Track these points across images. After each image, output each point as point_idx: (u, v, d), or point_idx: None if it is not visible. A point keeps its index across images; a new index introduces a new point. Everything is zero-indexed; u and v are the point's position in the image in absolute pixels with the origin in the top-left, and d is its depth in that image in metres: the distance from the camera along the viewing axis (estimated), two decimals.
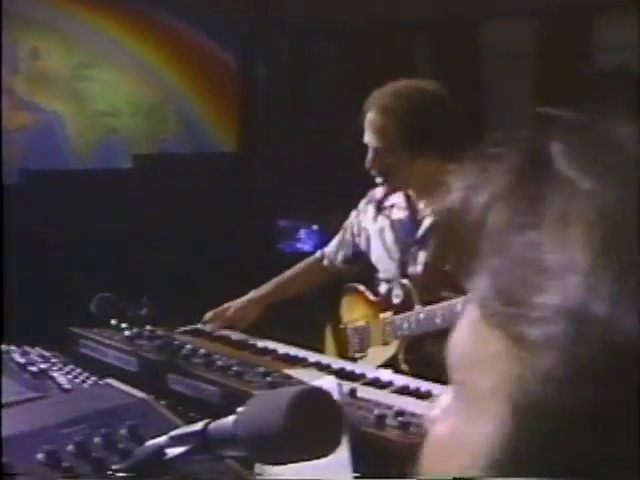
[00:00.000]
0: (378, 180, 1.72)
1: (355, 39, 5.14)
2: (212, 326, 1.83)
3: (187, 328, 1.79)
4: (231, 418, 0.72)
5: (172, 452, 0.73)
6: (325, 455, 0.68)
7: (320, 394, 0.69)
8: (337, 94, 5.23)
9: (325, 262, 1.98)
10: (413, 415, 1.14)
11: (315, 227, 4.70)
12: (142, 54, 4.72)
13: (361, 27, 4.92)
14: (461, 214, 0.39)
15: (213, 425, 0.74)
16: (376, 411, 1.13)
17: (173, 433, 0.76)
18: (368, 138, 1.67)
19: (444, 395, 0.43)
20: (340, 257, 1.94)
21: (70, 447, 1.01)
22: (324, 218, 4.76)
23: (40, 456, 0.98)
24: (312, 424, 0.66)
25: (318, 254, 2.01)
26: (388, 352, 1.68)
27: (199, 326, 1.82)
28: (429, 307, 1.59)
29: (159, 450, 0.75)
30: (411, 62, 5.16)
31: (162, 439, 0.76)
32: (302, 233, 4.72)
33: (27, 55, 4.33)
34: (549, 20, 4.69)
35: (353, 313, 1.83)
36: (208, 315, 1.85)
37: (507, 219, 0.36)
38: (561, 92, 4.64)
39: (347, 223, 1.93)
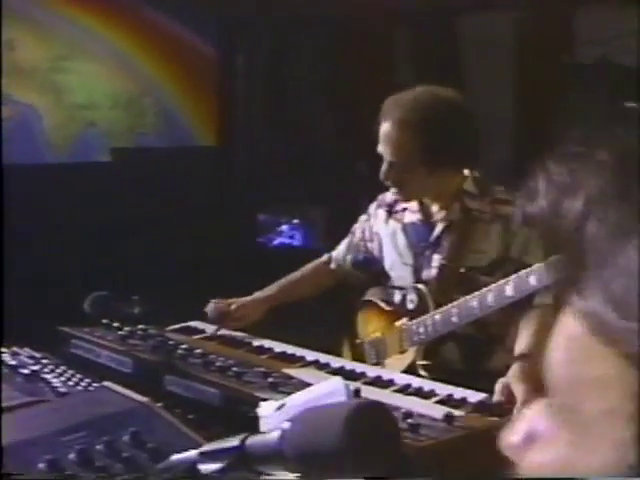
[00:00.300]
0: (393, 191, 1.69)
1: (336, 30, 5.10)
2: (212, 319, 1.75)
3: (178, 326, 1.75)
4: (275, 433, 0.69)
5: (205, 469, 0.70)
6: (382, 472, 0.65)
7: (378, 408, 0.66)
8: (318, 86, 5.19)
9: (333, 265, 1.92)
10: (421, 416, 1.12)
11: (296, 221, 4.67)
12: (120, 46, 4.62)
13: (342, 18, 4.89)
14: (553, 220, 0.36)
15: (252, 441, 0.70)
16: None
17: (205, 449, 0.72)
18: (383, 150, 1.63)
19: (524, 418, 0.40)
20: (349, 261, 1.89)
21: (72, 456, 0.97)
22: (305, 212, 4.73)
23: (42, 465, 0.94)
24: (371, 440, 0.63)
25: (325, 257, 1.95)
26: (405, 360, 1.65)
27: (190, 324, 1.77)
28: (443, 308, 1.57)
29: (191, 467, 0.71)
30: (391, 54, 5.14)
31: (192, 455, 0.73)
32: (284, 227, 4.68)
33: (3, 47, 4.21)
34: (530, 12, 4.70)
35: (368, 326, 1.80)
36: (209, 308, 1.77)
37: (611, 226, 0.33)
38: (544, 85, 4.66)
39: (355, 227, 1.89)
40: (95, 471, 0.96)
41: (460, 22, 5.10)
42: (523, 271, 1.47)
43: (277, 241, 4.65)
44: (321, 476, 0.67)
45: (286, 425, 0.69)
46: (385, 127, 1.60)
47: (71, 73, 4.48)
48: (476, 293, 1.51)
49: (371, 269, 1.87)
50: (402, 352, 1.66)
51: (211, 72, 4.97)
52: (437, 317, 1.57)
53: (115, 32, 4.60)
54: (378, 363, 1.71)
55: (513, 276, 1.47)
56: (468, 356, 1.65)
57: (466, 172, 1.68)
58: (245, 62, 5.09)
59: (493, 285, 1.49)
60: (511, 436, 0.41)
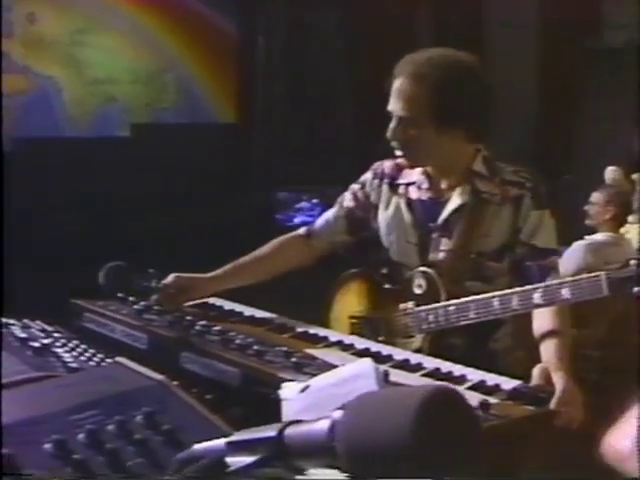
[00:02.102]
0: (397, 153, 1.57)
1: (355, 8, 4.96)
2: (163, 299, 1.55)
3: (195, 302, 1.66)
4: (323, 424, 0.59)
5: (235, 462, 0.60)
6: (458, 474, 0.54)
7: (455, 395, 0.56)
8: (337, 64, 5.07)
9: (314, 241, 1.73)
10: None
11: (316, 200, 4.58)
12: (141, 20, 4.53)
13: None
14: None
15: (292, 431, 0.60)
16: None
17: (233, 438, 0.62)
18: (393, 106, 1.52)
19: (630, 422, 0.30)
20: (341, 226, 1.73)
21: (81, 436, 0.89)
22: (325, 190, 4.64)
23: (47, 446, 0.85)
24: (446, 435, 0.53)
25: (302, 231, 1.75)
26: (411, 346, 1.55)
27: (208, 300, 1.68)
28: (461, 300, 1.46)
29: (218, 461, 0.61)
30: (411, 32, 5.00)
31: (218, 445, 0.63)
32: (302, 205, 4.59)
33: (23, 19, 4.13)
34: None
35: (365, 301, 1.68)
36: (167, 279, 1.58)
37: None
38: (569, 69, 4.50)
39: (344, 197, 1.73)
40: (105, 454, 0.87)
41: (485, 2, 4.95)
42: (555, 281, 1.39)
43: (297, 219, 4.55)
44: (379, 476, 0.56)
45: (337, 414, 0.58)
46: (398, 82, 1.50)
47: (91, 47, 4.40)
48: (497, 293, 1.42)
49: (362, 234, 1.73)
50: (407, 337, 1.56)
51: (232, 50, 4.87)
52: (451, 308, 1.47)
53: (136, 7, 4.50)
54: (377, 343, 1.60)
55: (542, 284, 1.39)
56: (473, 338, 1.55)
57: (477, 147, 1.57)
58: (265, 40, 4.98)
59: (518, 288, 1.40)
60: (620, 441, 0.31)
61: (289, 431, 0.59)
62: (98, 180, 4.01)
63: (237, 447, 0.60)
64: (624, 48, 4.17)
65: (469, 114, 1.50)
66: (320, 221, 1.75)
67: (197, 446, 0.65)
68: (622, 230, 3.53)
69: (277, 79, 5.02)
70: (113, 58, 4.48)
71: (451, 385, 0.93)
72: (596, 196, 3.52)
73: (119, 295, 1.54)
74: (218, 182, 4.40)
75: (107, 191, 3.98)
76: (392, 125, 1.52)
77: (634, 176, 4.08)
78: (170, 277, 1.60)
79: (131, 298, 1.51)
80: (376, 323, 1.62)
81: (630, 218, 3.63)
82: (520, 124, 4.34)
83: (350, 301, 1.71)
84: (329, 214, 1.74)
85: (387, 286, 1.65)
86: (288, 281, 1.76)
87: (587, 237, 3.38)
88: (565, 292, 1.34)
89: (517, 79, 4.45)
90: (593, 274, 1.32)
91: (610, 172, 4.27)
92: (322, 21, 5.09)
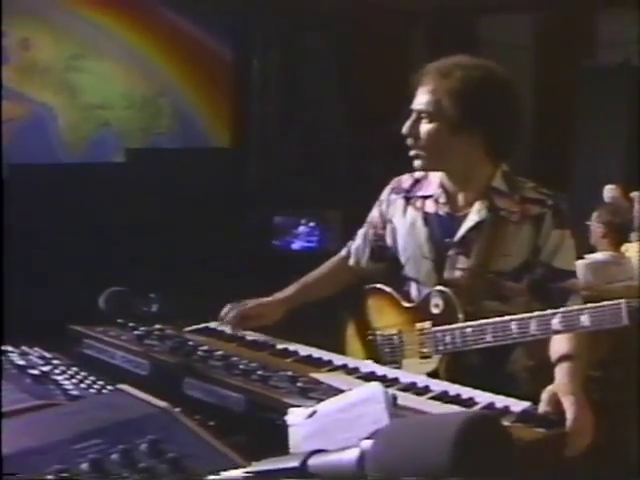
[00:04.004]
0: (412, 152, 1.55)
1: (352, 30, 5.01)
2: (227, 322, 1.64)
3: (196, 327, 1.64)
4: (351, 454, 0.57)
5: None
6: None
7: (493, 422, 0.55)
8: (334, 87, 5.11)
9: (351, 261, 1.80)
10: None
11: (313, 223, 4.58)
12: (136, 46, 4.56)
13: (358, 18, 4.80)
14: None
15: (317, 461, 0.59)
16: None
17: (253, 469, 0.61)
18: (415, 101, 1.52)
19: None
20: (367, 255, 1.76)
21: (84, 466, 0.87)
22: (322, 214, 4.64)
23: (50, 477, 0.84)
24: (484, 462, 0.52)
25: (344, 252, 1.82)
26: (427, 367, 1.53)
27: (210, 325, 1.67)
28: (478, 322, 1.45)
29: None
30: (408, 55, 5.05)
31: (235, 477, 0.61)
32: (300, 229, 4.59)
33: (17, 45, 4.15)
34: (550, 14, 4.59)
35: (382, 319, 1.67)
36: (225, 310, 1.66)
37: None
38: (564, 88, 4.55)
39: (370, 216, 1.77)
40: None
41: (479, 23, 5.01)
42: (575, 306, 1.38)
43: (295, 244, 4.55)
44: None
45: (366, 444, 0.57)
46: (423, 80, 1.50)
47: (86, 72, 4.43)
48: (515, 316, 1.40)
49: (387, 259, 1.75)
50: (423, 357, 1.55)
51: (226, 73, 4.91)
52: (468, 330, 1.45)
53: (131, 32, 4.54)
54: (394, 362, 1.59)
55: (562, 309, 1.37)
56: (489, 359, 1.54)
57: (496, 165, 1.56)
58: (260, 64, 5.02)
59: (537, 312, 1.39)
60: None
61: (313, 461, 0.58)
62: (94, 206, 4.01)
63: (257, 478, 0.59)
64: (621, 66, 4.22)
65: (489, 123, 1.48)
66: (355, 241, 1.79)
67: (211, 478, 0.64)
68: (622, 248, 3.54)
69: (272, 102, 5.05)
70: (107, 83, 4.51)
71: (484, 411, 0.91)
72: (595, 215, 3.53)
73: (119, 321, 1.52)
74: (214, 207, 4.40)
75: (103, 217, 3.98)
76: (409, 120, 1.52)
77: (633, 194, 4.09)
78: (234, 309, 1.63)
79: (131, 323, 1.49)
80: (393, 342, 1.61)
81: (630, 236, 3.63)
82: (524, 132, 4.37)
83: (368, 318, 1.70)
84: (360, 236, 1.79)
85: (405, 304, 1.63)
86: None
87: (587, 256, 3.38)
88: (584, 319, 1.33)
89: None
90: (614, 302, 1.30)
91: (608, 190, 4.29)
92: (317, 43, 5.14)
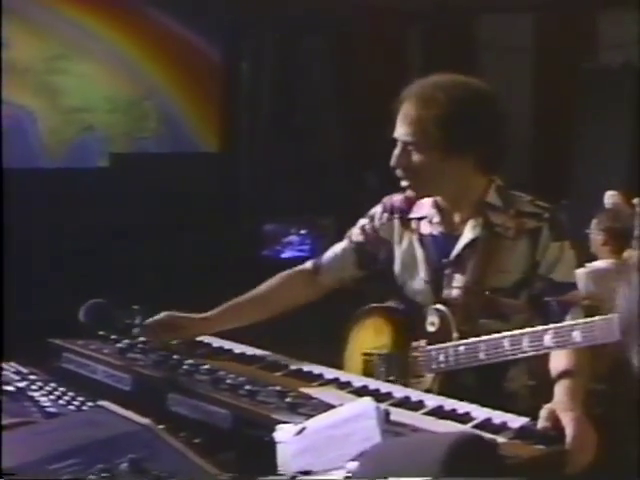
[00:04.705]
0: (403, 183, 1.57)
1: (344, 33, 5.04)
2: (148, 334, 1.54)
3: (182, 340, 1.64)
4: (337, 476, 0.57)
5: None
6: None
7: (482, 442, 0.55)
8: (327, 91, 5.12)
9: (322, 276, 1.73)
10: None
11: (304, 232, 4.58)
12: (121, 46, 4.57)
13: (350, 20, 4.83)
14: None
15: None
16: None
17: None
18: (398, 131, 1.53)
19: None
20: (351, 261, 1.74)
21: None
22: (315, 220, 4.64)
23: None
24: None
25: (309, 265, 1.74)
26: (420, 387, 1.54)
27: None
28: (471, 340, 1.46)
29: None
30: (405, 57, 5.07)
31: None
32: (291, 238, 4.59)
33: None
34: (550, 15, 4.63)
35: (379, 338, 1.68)
36: (148, 322, 1.56)
37: None
38: (565, 90, 4.58)
39: (352, 232, 1.74)
40: None
41: (477, 24, 5.04)
42: (566, 322, 1.39)
43: (285, 253, 4.55)
44: None
45: (353, 465, 0.57)
46: (405, 107, 1.51)
47: (67, 74, 4.42)
48: (508, 333, 1.42)
49: (373, 268, 1.74)
50: (417, 376, 1.56)
51: (215, 76, 4.92)
52: (461, 349, 1.47)
53: (115, 32, 4.55)
54: (389, 381, 1.60)
55: (553, 325, 1.39)
56: (485, 377, 1.54)
57: (490, 179, 1.58)
58: (250, 66, 5.03)
59: (529, 329, 1.40)
60: None
61: None
62: (76, 213, 3.99)
63: None
64: (622, 67, 4.25)
65: (479, 142, 1.50)
66: (328, 255, 1.74)
67: None
68: (625, 255, 3.55)
69: (263, 105, 5.06)
70: (90, 85, 4.51)
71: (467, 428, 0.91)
72: (596, 222, 3.55)
73: (101, 333, 1.51)
74: (201, 215, 4.40)
75: (86, 224, 3.97)
76: (396, 151, 1.53)
77: (635, 200, 4.11)
78: (162, 314, 1.59)
79: (113, 336, 1.49)
80: (389, 361, 1.62)
81: (633, 243, 3.65)
82: (516, 147, 4.39)
83: (365, 337, 1.71)
84: (337, 248, 1.74)
85: (401, 323, 1.65)
86: (288, 318, 1.75)
87: (588, 265, 3.39)
88: (576, 335, 1.33)
89: (513, 102, 4.51)
90: (605, 317, 1.31)
91: (610, 197, 4.31)
92: (311, 44, 5.16)
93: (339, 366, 1.65)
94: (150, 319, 1.56)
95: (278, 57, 5.10)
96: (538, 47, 4.88)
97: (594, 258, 3.48)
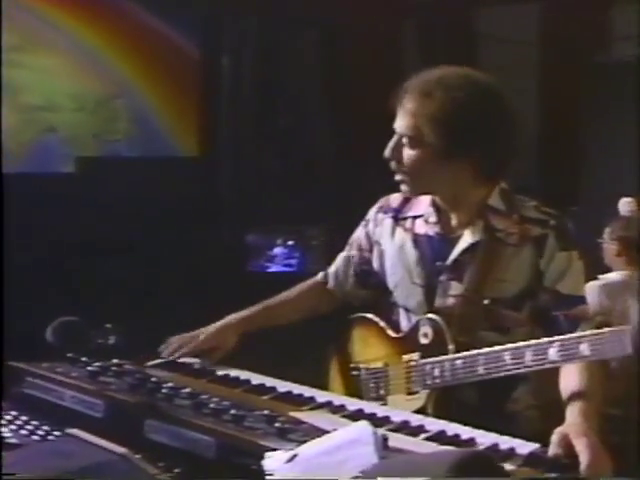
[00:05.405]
0: (397, 177, 1.60)
1: (333, 25, 5.08)
2: (175, 356, 1.70)
3: (160, 361, 1.66)
4: None
5: None
6: None
7: (487, 461, 0.57)
8: (315, 90, 5.16)
9: (331, 285, 1.85)
10: None
11: (292, 242, 4.61)
12: (88, 39, 4.58)
13: (339, 12, 4.88)
14: None
15: None
16: None
17: None
18: (397, 122, 1.56)
19: None
20: (351, 281, 1.81)
21: None
22: (303, 230, 4.67)
23: None
24: None
25: (320, 276, 1.88)
26: (414, 404, 1.56)
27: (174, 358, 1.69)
28: (469, 352, 1.48)
29: None
30: (399, 53, 5.13)
31: None
32: (277, 251, 4.61)
33: None
34: (558, 5, 4.69)
35: (367, 351, 1.70)
36: (172, 343, 1.72)
37: None
38: (573, 86, 4.63)
39: (354, 237, 1.81)
40: None
41: (477, 16, 5.11)
42: (573, 335, 1.41)
43: (271, 266, 4.57)
44: None
45: None
46: (404, 100, 1.54)
47: (26, 68, 4.41)
48: (510, 345, 1.44)
49: (373, 284, 1.79)
50: (410, 393, 1.58)
51: (193, 72, 4.94)
52: (458, 362, 1.49)
53: (81, 23, 4.55)
54: (378, 398, 1.62)
55: (559, 337, 1.40)
56: (487, 397, 1.56)
57: (492, 186, 1.61)
58: (232, 62, 5.06)
59: (533, 341, 1.43)
60: None
61: None
62: (37, 223, 3.99)
63: None
64: (638, 60, 4.31)
65: (478, 148, 1.52)
66: (333, 268, 1.83)
67: None
68: None
69: (246, 105, 5.09)
70: (52, 81, 4.51)
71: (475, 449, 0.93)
72: (609, 231, 3.59)
73: (69, 355, 1.53)
74: (179, 224, 4.41)
75: (50, 235, 3.96)
76: (391, 143, 1.56)
77: None
78: (181, 345, 1.70)
79: (84, 358, 1.50)
80: (378, 377, 1.64)
81: None
82: (520, 149, 4.43)
83: (351, 351, 1.73)
84: (340, 260, 1.82)
85: (392, 334, 1.67)
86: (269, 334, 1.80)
87: (601, 277, 3.42)
88: (584, 348, 1.35)
89: (516, 99, 4.57)
90: (616, 328, 1.33)
91: (624, 204, 4.36)
92: (297, 39, 5.20)
93: (323, 385, 1.68)
94: (175, 351, 1.68)
95: (262, 52, 5.14)
96: (543, 40, 4.95)
97: (607, 269, 3.52)
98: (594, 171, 4.76)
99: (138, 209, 4.27)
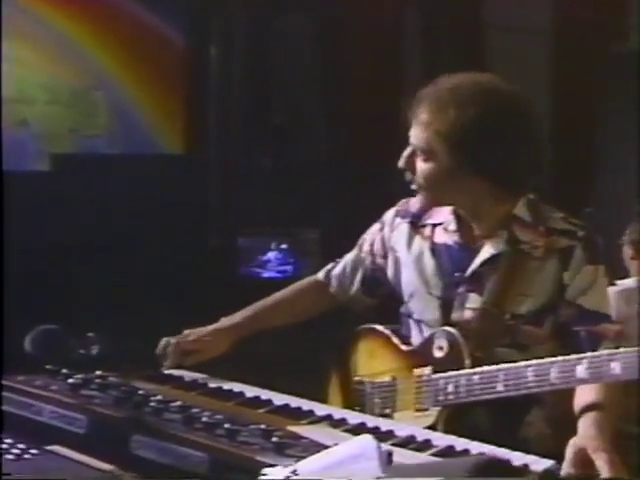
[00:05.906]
0: (413, 187, 1.64)
1: (329, 12, 5.10)
2: (163, 359, 1.74)
3: (148, 373, 1.67)
4: None
5: None
6: None
7: (504, 467, 0.58)
8: (309, 80, 5.18)
9: (333, 287, 1.85)
10: None
11: (285, 246, 4.62)
12: (63, 26, 4.58)
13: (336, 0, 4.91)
14: None
15: None
16: None
17: None
18: (411, 132, 1.60)
19: None
20: (356, 286, 1.82)
21: None
22: (297, 234, 4.68)
23: None
24: None
25: (321, 276, 1.89)
26: (423, 421, 1.56)
27: (164, 370, 1.70)
28: (487, 368, 1.49)
29: None
30: (400, 43, 5.14)
31: None
32: (270, 256, 4.63)
33: None
34: None
35: (373, 364, 1.72)
36: (161, 346, 1.75)
37: None
38: (585, 78, 4.66)
39: (364, 238, 1.83)
40: None
41: (484, 3, 5.13)
42: (605, 351, 1.42)
43: (263, 272, 4.58)
44: None
45: None
46: (419, 110, 1.57)
47: None
48: (533, 362, 1.45)
49: (382, 293, 1.81)
50: (419, 410, 1.58)
51: (179, 62, 4.94)
52: (475, 378, 1.50)
53: (56, 9, 4.56)
54: (384, 415, 1.63)
55: (589, 354, 1.41)
56: (500, 420, 1.58)
57: (514, 201, 1.63)
58: (221, 51, 5.07)
59: (559, 358, 1.43)
60: None
61: None
62: (10, 225, 3.98)
63: None
64: None
65: (497, 160, 1.55)
66: (338, 266, 1.83)
67: None
68: None
69: (235, 99, 5.10)
70: (25, 71, 4.51)
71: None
72: (628, 234, 3.61)
73: (48, 367, 1.53)
74: (163, 227, 4.41)
75: (24, 238, 3.96)
76: (405, 153, 1.59)
77: None
78: (170, 345, 1.69)
79: (64, 370, 1.51)
80: (385, 391, 1.65)
81: None
82: (543, 161, 4.42)
83: (356, 363, 1.75)
84: (347, 258, 1.83)
85: (403, 347, 1.68)
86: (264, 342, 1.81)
87: (619, 282, 3.44)
88: (615, 366, 1.35)
89: (527, 94, 4.59)
90: None
91: None
92: (291, 28, 5.21)
93: (322, 399, 1.69)
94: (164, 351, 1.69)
95: (253, 40, 5.15)
96: (556, 29, 4.98)
97: (626, 274, 3.54)
98: (610, 170, 4.79)
99: (119, 211, 4.27)
